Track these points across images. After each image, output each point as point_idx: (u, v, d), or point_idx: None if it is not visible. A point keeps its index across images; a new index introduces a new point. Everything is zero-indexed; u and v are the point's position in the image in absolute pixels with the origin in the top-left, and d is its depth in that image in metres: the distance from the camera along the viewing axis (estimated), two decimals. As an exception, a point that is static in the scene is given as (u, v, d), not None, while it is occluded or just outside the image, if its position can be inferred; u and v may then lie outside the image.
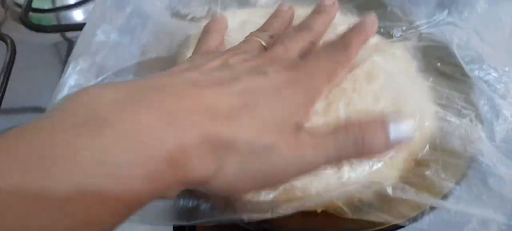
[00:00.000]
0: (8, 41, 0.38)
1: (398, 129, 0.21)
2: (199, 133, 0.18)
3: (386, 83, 0.28)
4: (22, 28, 0.43)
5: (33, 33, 0.42)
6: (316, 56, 0.24)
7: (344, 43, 0.25)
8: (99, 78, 0.29)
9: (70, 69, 0.29)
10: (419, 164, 0.26)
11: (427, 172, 0.25)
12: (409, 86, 0.29)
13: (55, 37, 0.45)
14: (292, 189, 0.24)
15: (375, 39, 0.31)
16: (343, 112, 0.27)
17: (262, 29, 0.28)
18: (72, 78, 0.29)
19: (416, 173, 0.25)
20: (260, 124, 0.20)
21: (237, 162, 0.19)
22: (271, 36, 0.27)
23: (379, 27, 0.32)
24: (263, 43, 0.26)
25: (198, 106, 0.19)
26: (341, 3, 0.30)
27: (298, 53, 0.25)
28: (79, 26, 0.41)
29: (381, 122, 0.21)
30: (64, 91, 0.27)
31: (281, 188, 0.24)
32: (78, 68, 0.29)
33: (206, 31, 0.29)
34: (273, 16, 0.29)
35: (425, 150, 0.26)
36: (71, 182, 0.15)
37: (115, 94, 0.18)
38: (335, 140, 0.21)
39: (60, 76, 0.29)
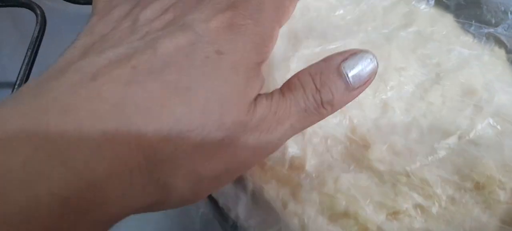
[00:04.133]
0: (39, 12, 0.34)
1: (356, 66, 0.17)
2: (111, 157, 0.13)
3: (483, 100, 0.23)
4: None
5: (67, 3, 0.38)
6: None
7: None
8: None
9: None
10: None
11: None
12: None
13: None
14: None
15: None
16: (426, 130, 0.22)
17: None
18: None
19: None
20: (200, 113, 0.14)
21: (187, 173, 0.15)
22: None
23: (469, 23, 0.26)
24: None
25: (101, 116, 0.13)
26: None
27: None
28: None
29: (334, 65, 0.17)
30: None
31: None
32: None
33: None
34: None
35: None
36: None
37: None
38: (296, 106, 0.17)
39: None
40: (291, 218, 0.20)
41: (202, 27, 0.16)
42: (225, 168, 0.16)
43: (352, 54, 0.18)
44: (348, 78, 0.17)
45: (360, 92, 0.18)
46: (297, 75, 0.18)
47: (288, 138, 0.18)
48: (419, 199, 0.21)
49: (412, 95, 0.24)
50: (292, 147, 0.22)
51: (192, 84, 0.14)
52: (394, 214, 0.21)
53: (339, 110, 0.20)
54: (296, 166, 0.22)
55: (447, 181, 0.21)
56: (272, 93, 0.17)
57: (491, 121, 0.22)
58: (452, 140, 0.22)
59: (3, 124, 0.13)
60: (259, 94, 0.17)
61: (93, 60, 0.15)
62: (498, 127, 0.22)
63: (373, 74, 0.18)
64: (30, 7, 0.35)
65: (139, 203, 0.14)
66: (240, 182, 0.22)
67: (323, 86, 0.17)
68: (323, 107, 0.18)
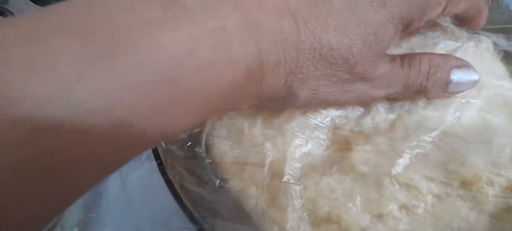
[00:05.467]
0: (9, 16, 0.33)
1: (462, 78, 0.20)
2: (279, 49, 0.16)
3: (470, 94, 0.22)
4: (28, 1, 0.38)
5: (38, 6, 0.37)
6: None
7: None
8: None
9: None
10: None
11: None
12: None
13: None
14: None
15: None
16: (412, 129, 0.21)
17: None
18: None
19: None
20: (345, 50, 0.17)
21: (312, 85, 0.18)
22: None
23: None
24: None
25: (281, 15, 0.16)
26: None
27: None
28: None
29: (449, 67, 0.20)
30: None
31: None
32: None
33: None
34: None
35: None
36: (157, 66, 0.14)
37: None
38: (406, 79, 0.20)
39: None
40: (271, 226, 0.20)
41: None
42: (333, 99, 0.19)
43: (465, 66, 0.21)
44: (451, 83, 0.20)
45: (447, 97, 0.21)
46: (420, 56, 0.20)
47: (380, 99, 0.21)
48: (404, 200, 0.20)
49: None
50: (272, 151, 0.21)
51: (349, 22, 0.17)
52: (379, 216, 0.20)
53: (320, 110, 0.22)
54: (276, 170, 0.21)
55: (432, 180, 0.20)
56: (394, 59, 0.20)
57: (478, 115, 0.21)
58: (436, 134, 0.21)
59: None
60: (385, 54, 0.19)
61: None
62: (486, 121, 0.21)
63: (466, 89, 0.21)
64: (2, 13, 0.34)
65: (274, 97, 0.18)
66: (218, 189, 0.21)
67: (432, 77, 0.20)
68: (419, 92, 0.21)
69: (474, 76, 0.21)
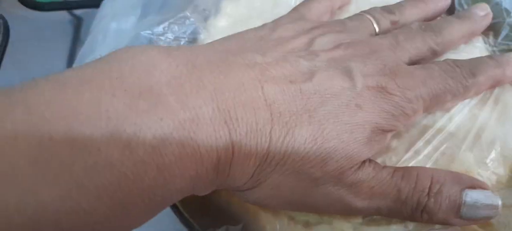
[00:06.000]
0: (1, 20, 0.33)
1: (477, 201, 0.17)
2: (252, 140, 0.16)
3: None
4: (19, 5, 0.38)
5: (30, 10, 0.37)
6: (426, 70, 0.19)
7: (473, 67, 0.20)
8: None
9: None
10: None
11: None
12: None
13: (60, 15, 0.39)
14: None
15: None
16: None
17: (387, 9, 0.22)
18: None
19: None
20: (318, 146, 0.16)
21: (279, 180, 0.17)
22: (393, 22, 0.21)
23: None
24: (375, 26, 0.21)
25: (257, 106, 0.16)
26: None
27: (410, 58, 0.20)
28: (88, 3, 0.37)
29: (459, 185, 0.17)
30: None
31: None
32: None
33: None
34: None
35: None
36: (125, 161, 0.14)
37: (171, 67, 0.15)
38: (397, 195, 0.17)
39: (65, 59, 0.25)
40: (261, 226, 0.19)
41: (359, 79, 0.18)
42: (302, 199, 0.17)
43: (481, 187, 0.18)
44: (463, 206, 0.17)
45: (465, 225, 0.18)
46: (417, 169, 0.18)
47: (363, 214, 0.18)
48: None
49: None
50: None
51: (324, 118, 0.17)
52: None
53: None
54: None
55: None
56: (383, 167, 0.18)
57: (467, 112, 0.21)
58: (430, 134, 0.21)
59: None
60: (370, 160, 0.18)
61: (265, 61, 0.17)
62: (475, 118, 0.21)
63: (487, 218, 0.17)
64: (-7, 17, 0.33)
65: (238, 187, 0.17)
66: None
67: (437, 196, 0.17)
68: (420, 214, 0.17)
69: (495, 200, 0.17)
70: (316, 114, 0.17)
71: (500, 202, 0.17)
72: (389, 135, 0.19)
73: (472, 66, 0.20)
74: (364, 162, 0.17)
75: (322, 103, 0.17)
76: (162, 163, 0.14)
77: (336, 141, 0.17)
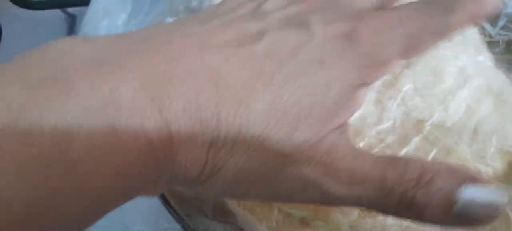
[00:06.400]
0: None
1: (475, 200, 0.13)
2: (193, 117, 0.13)
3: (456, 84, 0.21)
4: (11, 4, 0.37)
5: (21, 9, 0.36)
6: (397, 11, 0.16)
7: (448, 4, 0.16)
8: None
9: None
10: None
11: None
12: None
13: (53, 13, 0.39)
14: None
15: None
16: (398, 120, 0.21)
17: None
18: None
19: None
20: (279, 115, 0.14)
21: (240, 163, 0.14)
22: None
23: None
24: None
25: (197, 77, 0.14)
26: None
27: (373, 4, 0.17)
28: (78, 1, 0.36)
29: (455, 178, 0.13)
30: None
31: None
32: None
33: None
34: None
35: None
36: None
37: (91, 51, 0.14)
38: (381, 179, 0.14)
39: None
40: (257, 224, 0.19)
41: (317, 28, 0.15)
42: (271, 184, 0.15)
43: (481, 183, 0.14)
44: (457, 204, 0.13)
45: (457, 228, 0.14)
46: (408, 159, 0.15)
47: (344, 204, 0.15)
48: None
49: (382, 82, 0.23)
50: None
51: (283, 82, 0.14)
52: (367, 211, 0.20)
53: None
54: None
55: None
56: (366, 150, 0.15)
57: (464, 105, 0.21)
58: (425, 129, 0.21)
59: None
60: (346, 130, 0.15)
61: (206, 29, 0.15)
62: (472, 111, 0.21)
63: (485, 222, 0.13)
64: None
65: (193, 176, 0.15)
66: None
67: (427, 188, 0.14)
68: (407, 208, 0.14)
69: (496, 197, 0.13)
70: (272, 80, 0.14)
71: (504, 200, 0.14)
72: (363, 91, 0.16)
73: (447, 3, 0.16)
74: (337, 130, 0.15)
75: (278, 65, 0.14)
76: (69, 158, 0.12)
77: (298, 108, 0.14)
